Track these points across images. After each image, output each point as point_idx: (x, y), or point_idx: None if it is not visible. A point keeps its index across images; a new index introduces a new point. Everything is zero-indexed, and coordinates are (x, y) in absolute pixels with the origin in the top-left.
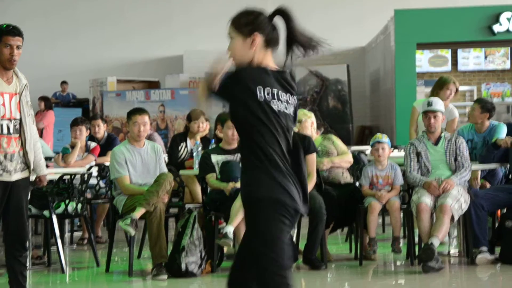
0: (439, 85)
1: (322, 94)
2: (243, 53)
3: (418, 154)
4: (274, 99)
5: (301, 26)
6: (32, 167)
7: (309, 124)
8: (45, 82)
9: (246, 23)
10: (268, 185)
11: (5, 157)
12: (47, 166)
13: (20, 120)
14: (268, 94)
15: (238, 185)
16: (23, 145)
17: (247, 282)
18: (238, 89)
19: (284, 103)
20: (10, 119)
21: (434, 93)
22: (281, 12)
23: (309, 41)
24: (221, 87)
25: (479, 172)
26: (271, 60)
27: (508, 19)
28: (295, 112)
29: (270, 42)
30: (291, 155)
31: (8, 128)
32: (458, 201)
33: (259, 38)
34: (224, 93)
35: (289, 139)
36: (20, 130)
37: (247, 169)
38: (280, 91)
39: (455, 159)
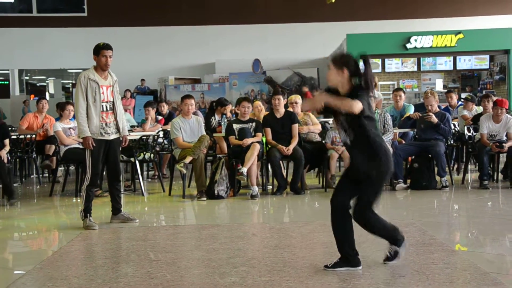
0: None
1: (302, 86)
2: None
3: None
4: None
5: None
6: (121, 131)
7: (299, 104)
8: (131, 79)
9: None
10: None
11: (106, 125)
12: (132, 131)
13: (113, 102)
14: None
15: (249, 141)
16: (115, 118)
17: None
18: None
19: None
20: (107, 102)
21: None
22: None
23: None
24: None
25: (397, 134)
26: None
27: (415, 40)
28: None
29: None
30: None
31: (107, 107)
32: None
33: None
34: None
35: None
36: (113, 108)
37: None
38: None
39: (384, 126)
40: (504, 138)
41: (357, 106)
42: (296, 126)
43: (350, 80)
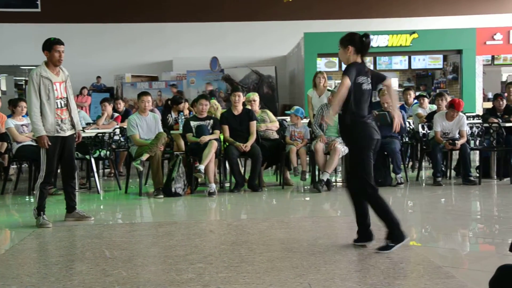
0: (314, 77)
1: (260, 84)
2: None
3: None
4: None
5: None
6: (76, 126)
7: (257, 102)
8: (87, 77)
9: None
10: None
11: (61, 121)
12: (87, 128)
13: (67, 98)
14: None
15: (206, 138)
16: (69, 114)
17: None
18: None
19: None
20: (61, 98)
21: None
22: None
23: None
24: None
25: None
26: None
27: (371, 39)
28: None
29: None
30: None
31: (61, 104)
32: (344, 146)
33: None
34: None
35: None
36: (67, 105)
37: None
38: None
39: None
40: (457, 135)
41: (344, 83)
42: (254, 123)
43: (355, 56)
